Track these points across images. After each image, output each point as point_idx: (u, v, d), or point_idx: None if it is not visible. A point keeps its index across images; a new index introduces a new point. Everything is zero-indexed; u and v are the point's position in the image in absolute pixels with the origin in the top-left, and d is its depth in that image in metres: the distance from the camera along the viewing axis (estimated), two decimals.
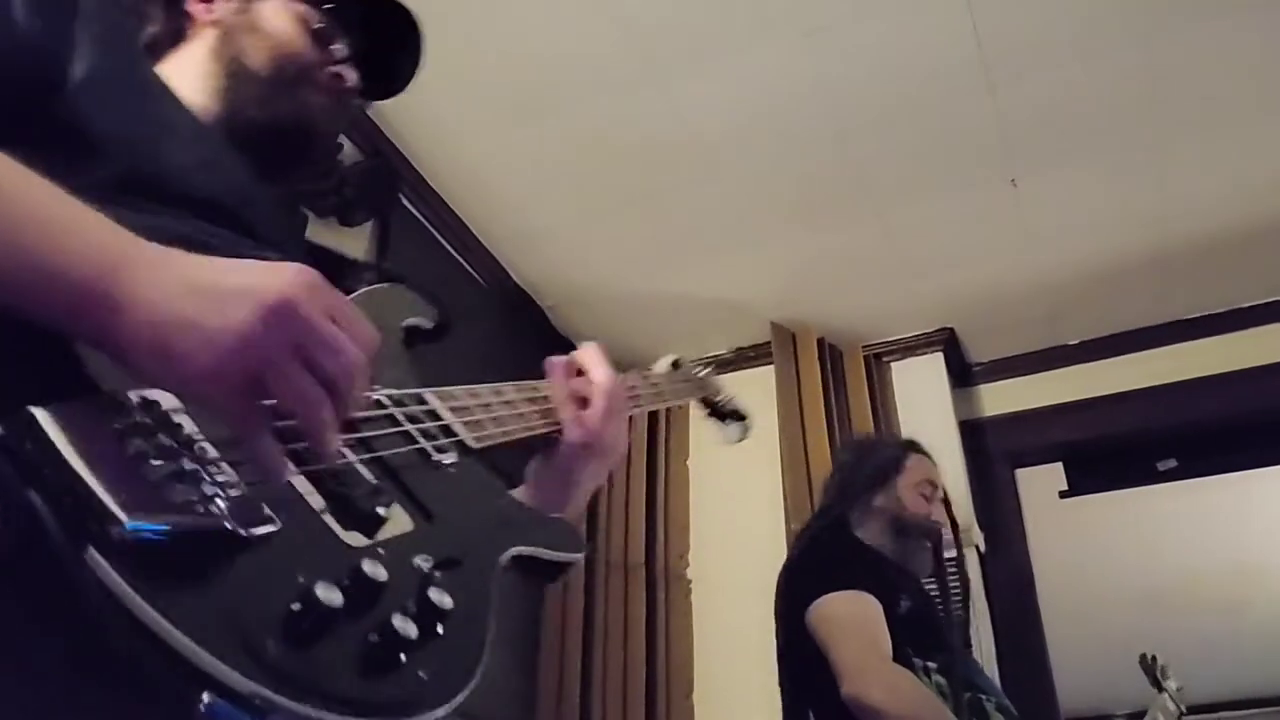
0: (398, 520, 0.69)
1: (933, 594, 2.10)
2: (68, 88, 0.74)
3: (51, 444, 0.49)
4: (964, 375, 3.69)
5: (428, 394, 0.85)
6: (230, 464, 0.58)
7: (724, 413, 1.49)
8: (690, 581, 3.35)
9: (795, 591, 2.07)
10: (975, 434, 3.57)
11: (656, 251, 3.21)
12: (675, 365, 1.42)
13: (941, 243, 3.17)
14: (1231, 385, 3.32)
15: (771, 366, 3.47)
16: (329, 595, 0.55)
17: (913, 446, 2.33)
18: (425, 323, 0.96)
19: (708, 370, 1.49)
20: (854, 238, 3.15)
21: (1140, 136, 2.76)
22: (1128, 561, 4.57)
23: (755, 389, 3.52)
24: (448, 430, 0.84)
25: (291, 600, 0.55)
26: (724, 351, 3.70)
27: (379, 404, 0.78)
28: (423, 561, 0.66)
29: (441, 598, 0.63)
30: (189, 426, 0.58)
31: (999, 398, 3.65)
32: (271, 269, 0.59)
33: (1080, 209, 3.02)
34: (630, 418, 1.09)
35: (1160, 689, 2.52)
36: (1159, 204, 3.00)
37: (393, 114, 2.67)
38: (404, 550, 0.66)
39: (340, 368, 0.59)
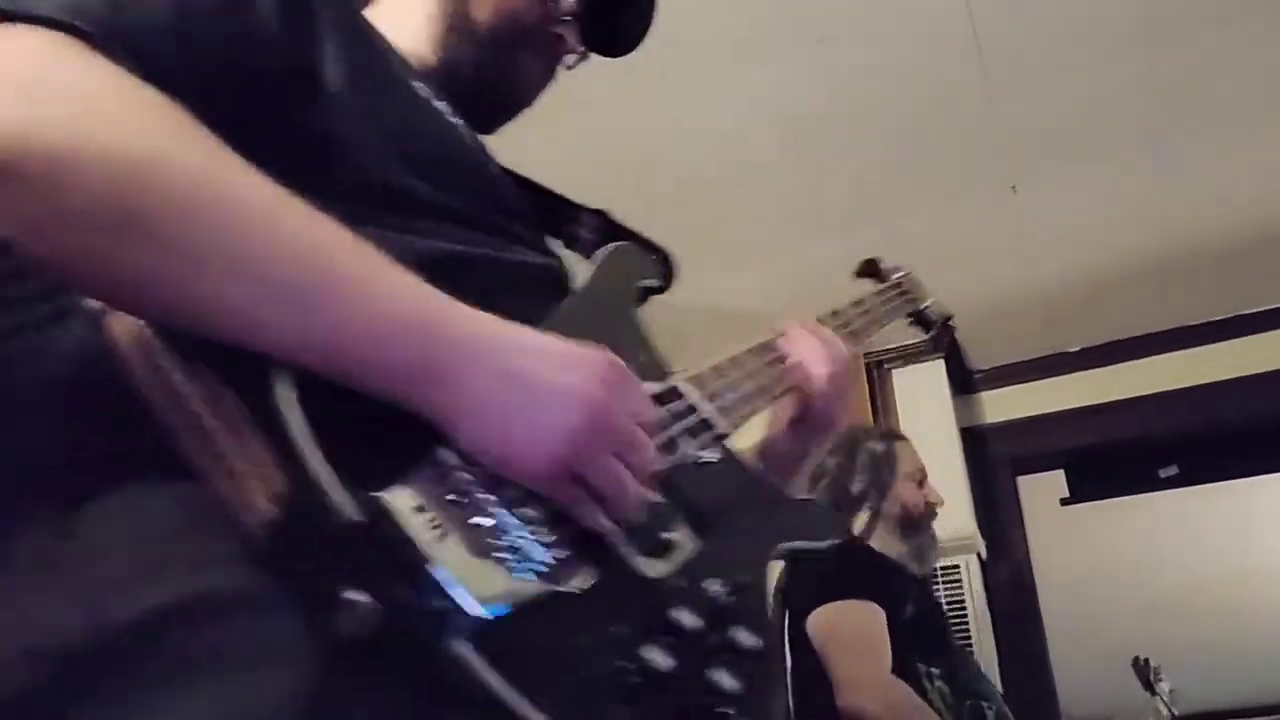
0: (683, 540, 0.67)
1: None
2: (321, 97, 0.69)
3: (407, 537, 0.50)
4: (965, 382, 3.69)
5: (682, 385, 0.80)
6: (544, 514, 0.59)
7: (929, 321, 1.37)
8: None
9: (796, 598, 2.06)
10: (977, 441, 3.57)
11: None
12: (874, 274, 1.29)
13: (942, 249, 3.17)
14: (1233, 392, 3.33)
15: None
16: (659, 659, 0.55)
17: (894, 437, 2.34)
18: (656, 282, 0.96)
19: (905, 273, 1.34)
20: (854, 244, 3.13)
21: (1140, 143, 2.76)
22: (1129, 568, 4.56)
23: None
24: (706, 423, 0.78)
25: (618, 658, 0.55)
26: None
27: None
28: (719, 589, 0.64)
29: (747, 638, 0.62)
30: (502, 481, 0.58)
31: (1000, 404, 3.66)
32: (581, 363, 0.61)
33: (1080, 215, 3.02)
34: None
35: (1153, 692, 2.52)
36: (1160, 210, 3.00)
37: None
38: (698, 576, 0.64)
39: (641, 463, 0.62)
